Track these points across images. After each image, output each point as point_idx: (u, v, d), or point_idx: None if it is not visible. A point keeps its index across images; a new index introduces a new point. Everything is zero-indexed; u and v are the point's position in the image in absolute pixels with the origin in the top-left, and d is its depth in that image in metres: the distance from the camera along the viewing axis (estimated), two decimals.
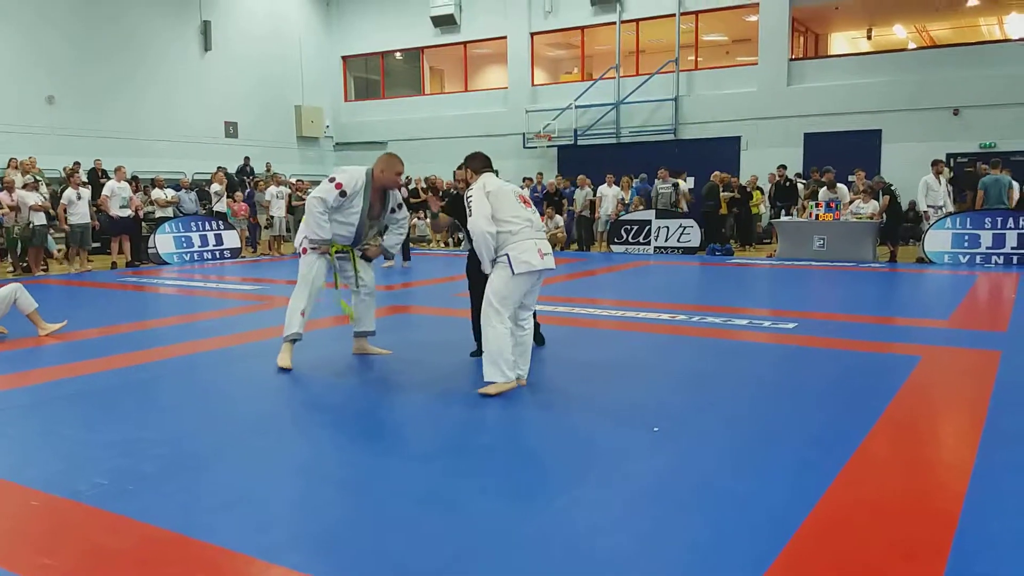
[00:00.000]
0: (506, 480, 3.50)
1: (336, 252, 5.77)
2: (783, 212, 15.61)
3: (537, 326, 6.43)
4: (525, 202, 5.06)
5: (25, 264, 13.14)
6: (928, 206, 13.49)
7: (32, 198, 12.90)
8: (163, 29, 20.05)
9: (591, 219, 17.12)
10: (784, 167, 16.35)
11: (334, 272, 5.84)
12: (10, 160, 14.85)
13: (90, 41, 18.47)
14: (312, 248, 5.68)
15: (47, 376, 5.61)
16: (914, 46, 19.92)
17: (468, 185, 5.17)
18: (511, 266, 4.80)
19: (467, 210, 4.93)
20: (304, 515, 3.15)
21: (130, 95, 19.16)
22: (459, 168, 5.83)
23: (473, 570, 2.63)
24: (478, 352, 5.66)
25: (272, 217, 16.78)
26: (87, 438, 4.19)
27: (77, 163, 16.08)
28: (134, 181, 15.59)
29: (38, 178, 14.61)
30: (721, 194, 16.08)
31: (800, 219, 14.64)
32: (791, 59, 18.75)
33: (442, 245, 18.50)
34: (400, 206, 5.98)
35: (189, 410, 4.76)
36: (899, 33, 21.81)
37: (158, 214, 15.32)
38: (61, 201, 13.38)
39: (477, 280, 5.53)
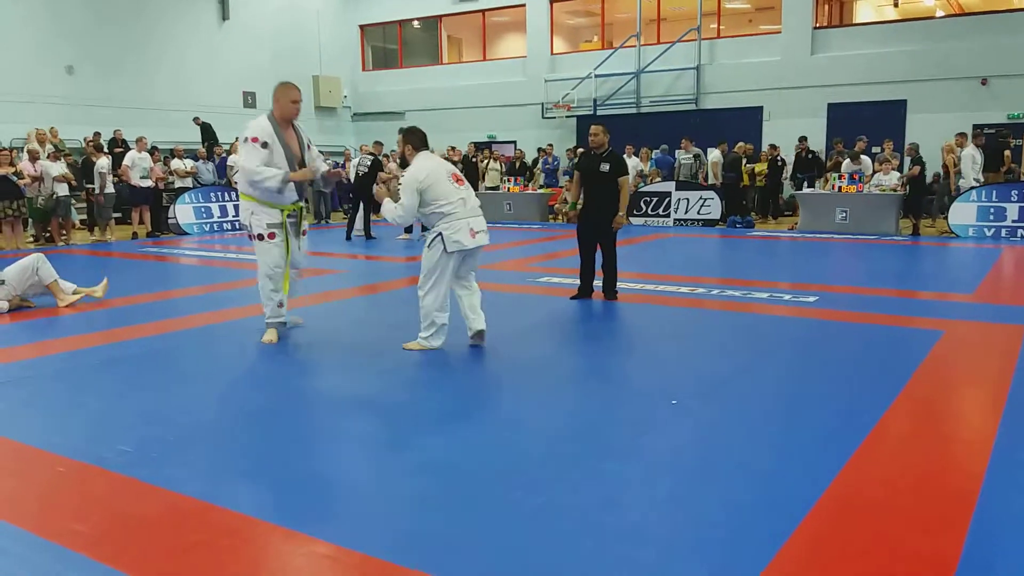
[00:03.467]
0: (519, 451, 3.52)
1: (288, 215, 5.54)
2: (804, 184, 15.43)
3: (615, 280, 7.21)
4: (458, 180, 5.33)
5: (48, 234, 13.26)
6: (974, 179, 13.15)
7: (56, 169, 12.99)
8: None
9: None
10: (805, 139, 16.14)
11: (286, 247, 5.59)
12: (34, 131, 14.93)
13: (109, 11, 18.45)
14: (268, 231, 5.44)
15: (71, 345, 5.68)
16: (942, 14, 19.48)
17: (404, 158, 5.47)
18: (444, 245, 5.12)
19: (400, 193, 5.21)
20: (324, 483, 3.19)
21: (149, 65, 19.16)
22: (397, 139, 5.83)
23: (484, 540, 2.66)
24: (580, 295, 7.20)
25: None
26: (111, 406, 4.26)
27: (97, 133, 16.15)
28: (154, 151, 15.65)
29: (60, 148, 14.69)
30: (744, 166, 15.92)
31: (822, 191, 14.48)
32: (815, 27, 18.41)
33: None
34: (311, 143, 5.80)
35: (210, 379, 4.81)
36: (927, 0, 21.34)
37: (177, 184, 15.39)
38: (124, 164, 13.68)
39: (585, 238, 7.22)
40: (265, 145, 5.30)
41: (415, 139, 5.39)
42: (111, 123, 17.22)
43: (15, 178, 12.40)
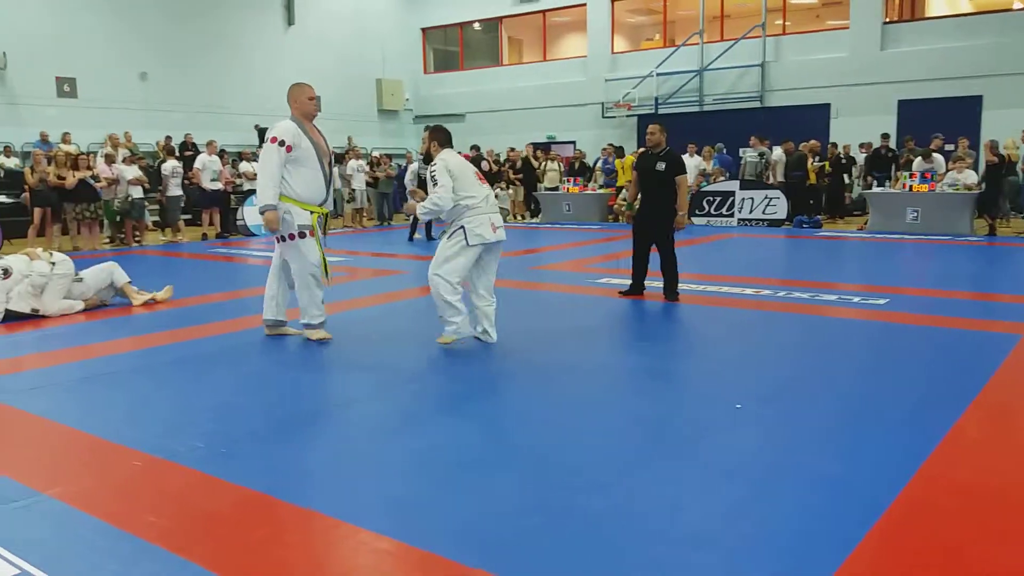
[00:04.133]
0: (582, 453, 3.50)
1: (317, 218, 5.55)
2: (876, 183, 15.02)
3: (676, 281, 7.14)
4: (481, 179, 5.46)
5: (122, 236, 13.75)
6: None
7: (131, 172, 13.47)
8: (248, 5, 20.51)
9: None
10: (887, 136, 15.69)
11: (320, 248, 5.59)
12: (109, 136, 15.50)
13: (180, 19, 19.05)
14: (300, 233, 5.42)
15: (145, 343, 5.87)
16: (1019, 6, 18.74)
17: (428, 155, 5.52)
18: (466, 238, 5.25)
19: (431, 181, 5.28)
20: (390, 481, 3.23)
21: (218, 71, 19.72)
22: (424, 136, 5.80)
23: (545, 541, 2.66)
24: (630, 292, 7.29)
25: (354, 190, 17.08)
26: (183, 403, 4.39)
27: (169, 137, 16.69)
28: (223, 155, 16.09)
29: (134, 152, 15.21)
30: (810, 164, 15.57)
31: (893, 190, 14.07)
32: (885, 22, 17.92)
33: (518, 218, 18.52)
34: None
35: (277, 377, 4.92)
36: None
37: (246, 187, 15.78)
38: (195, 167, 14.09)
39: (640, 236, 7.26)
40: (283, 144, 5.30)
41: (442, 135, 5.49)
42: (182, 127, 17.77)
43: (92, 181, 12.89)
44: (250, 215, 15.11)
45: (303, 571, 2.51)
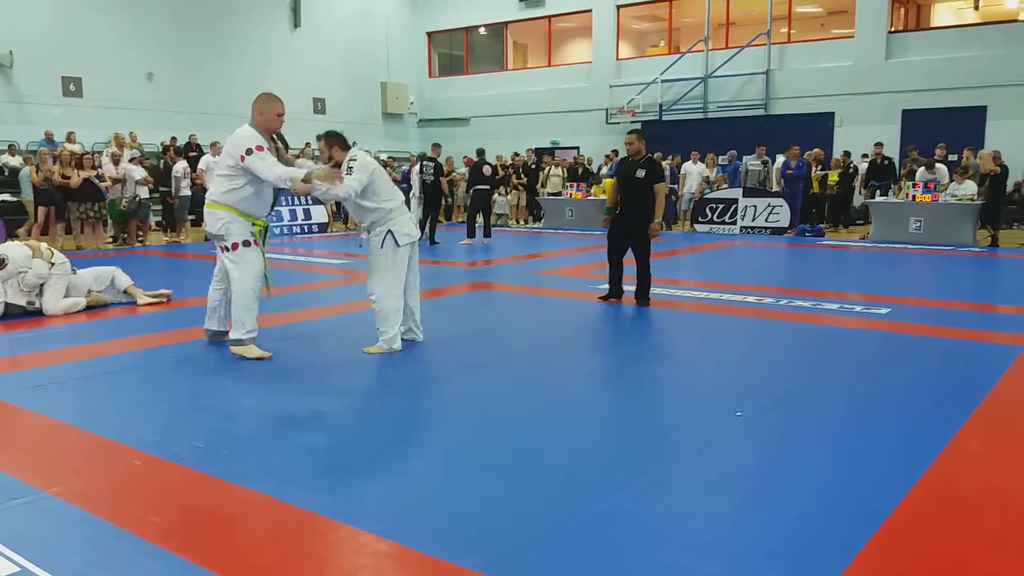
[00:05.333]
0: (586, 459, 3.51)
1: (259, 230, 5.42)
2: (877, 192, 15.02)
3: (648, 287, 7.17)
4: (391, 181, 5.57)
5: (126, 235, 13.78)
6: None
7: (138, 172, 13.51)
8: (255, 7, 20.57)
9: (672, 197, 16.81)
10: (881, 144, 15.70)
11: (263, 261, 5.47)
12: (115, 136, 15.55)
13: (187, 19, 19.10)
14: (245, 242, 5.26)
15: (146, 343, 5.88)
16: None
17: (332, 159, 5.47)
18: (396, 240, 5.32)
19: (346, 170, 5.26)
20: (390, 482, 3.23)
21: (223, 72, 19.76)
22: (320, 140, 5.77)
23: (547, 545, 2.66)
24: (609, 296, 7.30)
25: None
26: (185, 403, 4.40)
27: (174, 137, 16.73)
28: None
29: (141, 152, 15.24)
30: (814, 173, 15.58)
31: (896, 199, 14.07)
32: (890, 31, 17.95)
33: (521, 223, 18.53)
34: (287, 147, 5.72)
35: (280, 379, 4.92)
36: (1009, 2, 20.56)
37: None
38: (200, 168, 14.09)
39: (613, 242, 7.33)
40: (260, 148, 5.17)
41: (340, 140, 5.51)
42: (187, 128, 17.81)
43: (97, 181, 12.91)
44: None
45: (303, 572, 2.51)
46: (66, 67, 17.11)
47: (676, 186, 16.66)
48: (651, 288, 7.26)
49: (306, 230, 15.75)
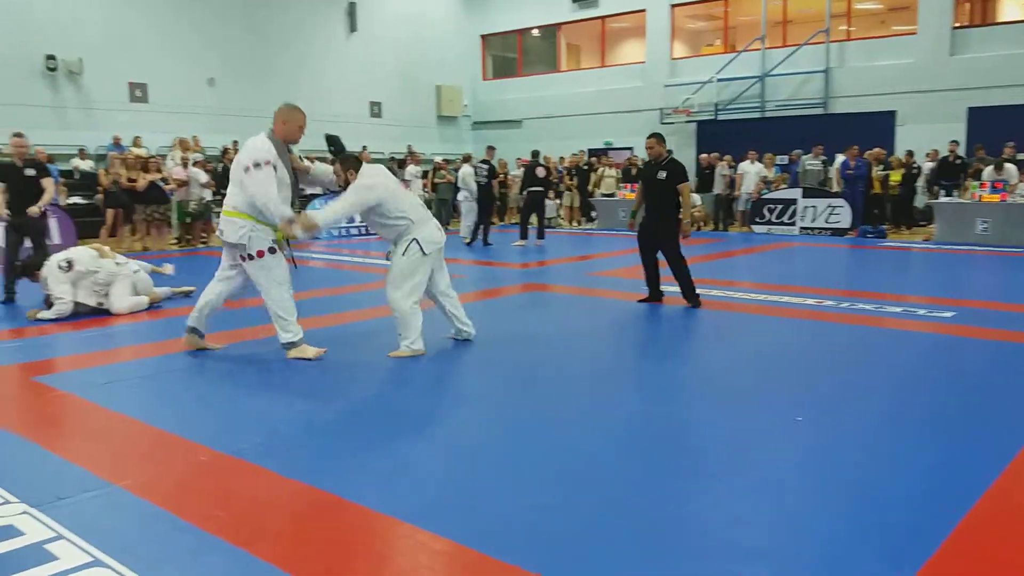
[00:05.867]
0: (638, 463, 3.49)
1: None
2: (942, 192, 14.59)
3: (691, 286, 7.14)
4: (405, 186, 5.34)
5: (189, 237, 14.15)
6: None
7: (202, 175, 13.88)
8: (312, 12, 20.93)
9: (729, 197, 16.61)
10: (956, 143, 15.23)
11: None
12: (180, 140, 15.98)
13: (246, 26, 19.52)
14: (270, 249, 5.23)
15: (199, 347, 6.02)
16: None
17: (342, 179, 5.39)
18: (422, 248, 5.29)
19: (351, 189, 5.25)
20: (447, 481, 3.27)
21: (281, 76, 20.13)
22: (333, 164, 5.64)
23: (605, 549, 2.65)
24: (648, 299, 7.28)
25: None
26: (246, 400, 4.51)
27: (235, 141, 17.11)
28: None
29: (204, 155, 15.65)
30: (874, 173, 15.22)
31: (962, 200, 13.66)
32: (954, 27, 17.42)
33: (574, 224, 18.49)
34: (302, 157, 5.65)
35: (336, 378, 5.01)
36: None
37: (308, 191, 16.07)
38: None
39: (643, 245, 7.26)
40: (270, 164, 5.10)
41: (356, 163, 5.38)
42: (248, 131, 17.95)
43: (162, 184, 13.30)
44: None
45: (361, 569, 2.55)
46: (133, 74, 17.65)
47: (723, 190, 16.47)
48: (695, 286, 7.22)
49: (363, 231, 15.96)
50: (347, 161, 5.43)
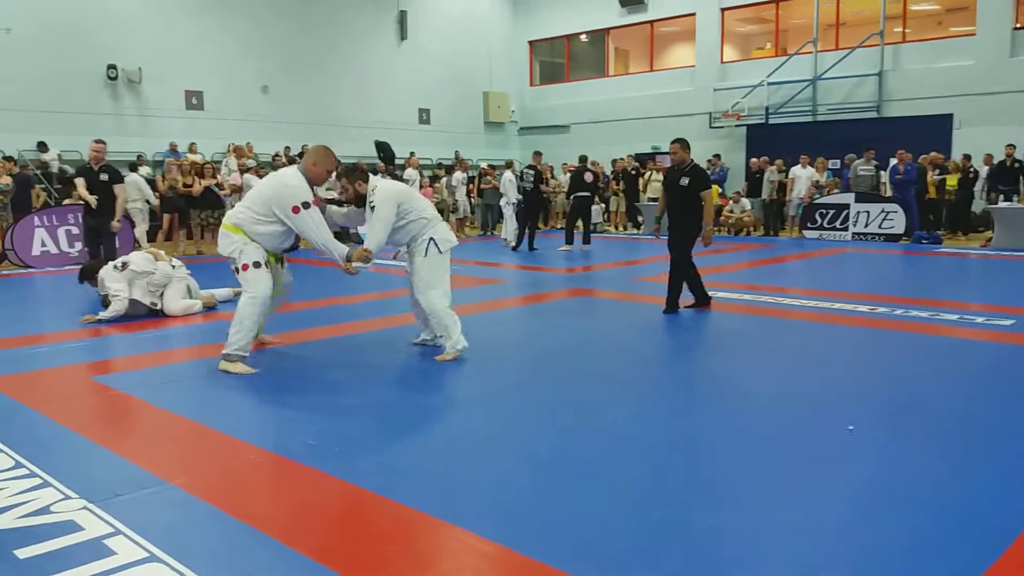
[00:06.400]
0: (691, 473, 3.46)
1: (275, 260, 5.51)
2: (1001, 197, 14.17)
3: (678, 296, 7.19)
4: (425, 194, 5.36)
5: None
6: None
7: (256, 181, 14.12)
8: (364, 21, 21.21)
9: (779, 202, 16.37)
10: (1013, 146, 14.80)
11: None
12: (235, 147, 16.34)
13: (299, 36, 19.87)
14: (256, 263, 5.24)
15: (257, 344, 6.13)
16: None
17: (351, 192, 5.41)
18: (438, 247, 5.38)
19: (369, 209, 5.29)
20: (498, 485, 3.28)
21: (333, 84, 20.46)
22: (338, 179, 5.66)
23: (656, 558, 2.64)
24: (669, 309, 7.10)
25: (456, 200, 17.42)
26: (296, 401, 4.58)
27: (287, 147, 17.44)
28: (337, 165, 16.64)
29: (257, 162, 15.96)
30: (930, 177, 14.85)
31: (1021, 205, 13.25)
32: (1015, 28, 16.92)
33: (620, 229, 18.40)
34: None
35: (388, 378, 5.05)
36: None
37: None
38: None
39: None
40: (308, 205, 5.17)
41: (360, 173, 5.42)
42: (299, 138, 18.52)
43: (217, 189, 13.60)
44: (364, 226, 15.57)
45: (407, 569, 2.58)
46: (189, 82, 18.09)
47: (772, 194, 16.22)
48: (704, 285, 7.33)
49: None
50: (352, 174, 5.45)
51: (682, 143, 7.28)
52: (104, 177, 8.98)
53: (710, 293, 7.40)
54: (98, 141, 9.15)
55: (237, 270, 5.29)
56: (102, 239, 9.02)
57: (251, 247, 5.24)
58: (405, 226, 5.39)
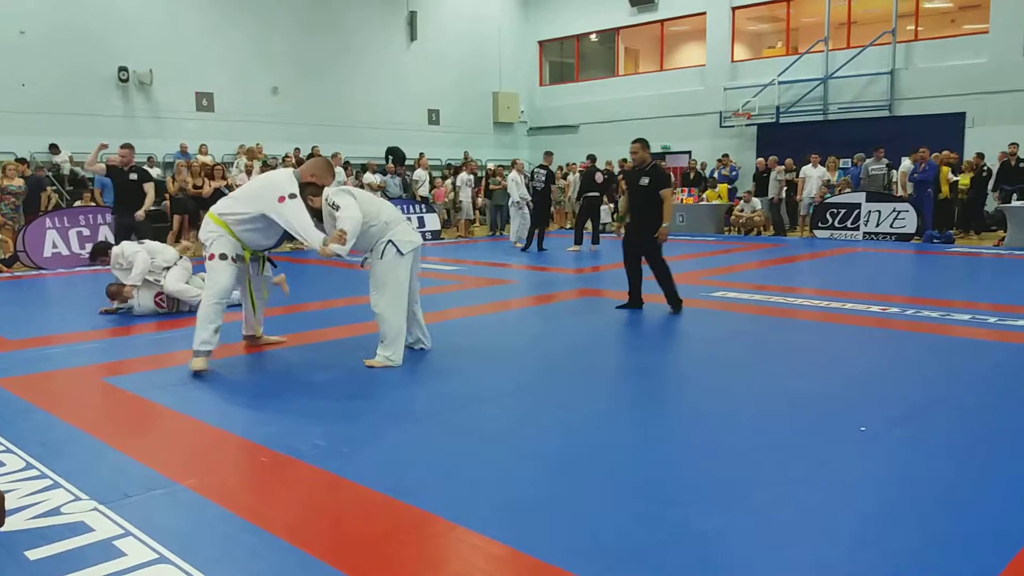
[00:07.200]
0: (701, 472, 3.45)
1: (251, 256, 5.49)
2: (1014, 196, 14.06)
3: (674, 292, 7.15)
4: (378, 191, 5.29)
5: None
6: None
7: None
8: (373, 20, 21.26)
9: (788, 202, 16.30)
10: (1016, 145, 14.69)
11: (247, 279, 5.59)
12: (247, 149, 16.40)
13: (309, 37, 19.92)
14: (223, 255, 5.23)
15: (271, 344, 6.15)
16: None
17: (312, 208, 5.21)
18: (398, 248, 5.24)
19: (331, 208, 5.12)
20: (506, 486, 3.26)
21: (342, 85, 20.51)
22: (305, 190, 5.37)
23: (663, 560, 2.62)
24: (627, 305, 7.29)
25: (461, 201, 17.41)
26: (305, 402, 4.58)
27: (297, 149, 17.48)
28: (347, 166, 16.70)
29: (266, 163, 16.02)
30: (944, 176, 14.75)
31: None
32: None
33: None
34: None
35: (395, 379, 5.06)
36: None
37: None
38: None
39: (627, 250, 7.29)
40: (295, 196, 5.12)
41: (311, 189, 5.20)
42: (309, 139, 18.59)
43: (226, 190, 13.64)
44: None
45: (417, 571, 2.57)
46: (200, 84, 18.18)
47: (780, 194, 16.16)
48: (679, 292, 7.25)
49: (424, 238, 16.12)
50: (305, 189, 5.22)
51: (642, 143, 7.27)
52: (133, 177, 9.79)
53: (720, 293, 7.37)
54: (125, 145, 9.96)
55: (205, 258, 5.31)
56: (132, 233, 9.40)
57: (225, 239, 5.25)
58: (367, 232, 5.25)
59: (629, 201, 7.46)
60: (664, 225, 7.17)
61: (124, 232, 9.42)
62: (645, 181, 7.12)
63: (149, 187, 9.90)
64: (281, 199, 5.10)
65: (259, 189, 5.29)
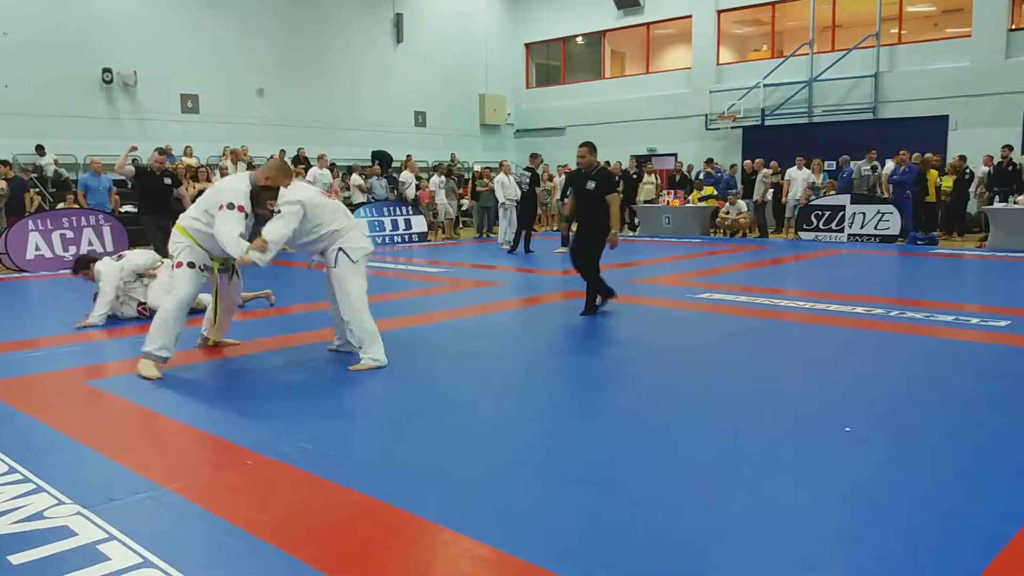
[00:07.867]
0: (687, 474, 3.46)
1: (219, 265, 5.45)
2: (997, 198, 14.21)
3: (593, 298, 7.24)
4: (332, 196, 5.37)
5: None
6: None
7: None
8: (359, 22, 21.23)
9: (774, 203, 16.40)
10: (1010, 147, 14.84)
11: (215, 288, 5.54)
12: (232, 151, 16.32)
13: (295, 39, 19.90)
14: (190, 263, 5.22)
15: (253, 348, 6.12)
16: None
17: (268, 213, 5.17)
18: (348, 256, 5.20)
19: (276, 212, 5.10)
20: (491, 488, 3.27)
21: (329, 87, 20.47)
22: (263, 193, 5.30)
23: (650, 561, 2.63)
24: (587, 311, 7.13)
25: (436, 204, 17.31)
26: (292, 405, 4.56)
27: (283, 151, 17.41)
28: (333, 168, 16.65)
29: (252, 165, 15.96)
30: (937, 179, 14.88)
31: (1018, 206, 13.28)
32: (1011, 29, 16.98)
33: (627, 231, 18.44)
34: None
35: (385, 381, 5.04)
36: None
37: (356, 200, 16.26)
38: (307, 179, 14.57)
39: (577, 254, 7.28)
40: (247, 215, 5.09)
41: (268, 194, 5.14)
42: (295, 141, 18.54)
43: None
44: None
45: (404, 575, 2.56)
46: (185, 85, 18.09)
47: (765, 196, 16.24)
48: (598, 298, 7.30)
49: (407, 239, 16.10)
50: (264, 192, 5.17)
51: (589, 146, 7.26)
52: (167, 181, 10.38)
53: (706, 295, 7.39)
54: (159, 150, 10.91)
55: (172, 266, 5.30)
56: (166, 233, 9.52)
57: (192, 249, 5.23)
58: (315, 239, 5.23)
59: (576, 205, 7.40)
60: (613, 231, 7.18)
61: (163, 233, 9.41)
62: (591, 185, 7.11)
63: (182, 190, 10.70)
64: (221, 207, 5.04)
65: (210, 196, 5.21)
